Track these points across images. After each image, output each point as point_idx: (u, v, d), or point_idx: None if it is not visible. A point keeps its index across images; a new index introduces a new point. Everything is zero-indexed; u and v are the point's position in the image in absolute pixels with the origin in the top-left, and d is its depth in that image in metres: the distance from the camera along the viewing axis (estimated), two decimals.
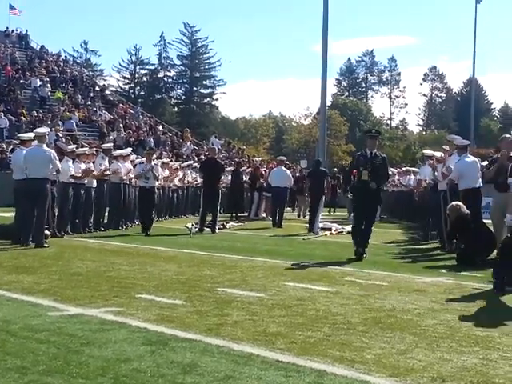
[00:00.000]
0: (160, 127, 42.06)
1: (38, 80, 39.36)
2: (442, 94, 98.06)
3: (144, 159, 17.15)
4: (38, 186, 12.22)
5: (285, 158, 23.12)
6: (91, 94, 42.47)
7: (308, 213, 19.80)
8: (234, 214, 23.60)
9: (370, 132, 12.70)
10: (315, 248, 13.52)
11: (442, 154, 14.06)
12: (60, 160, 14.69)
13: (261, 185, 24.27)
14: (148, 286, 8.03)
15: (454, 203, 11.52)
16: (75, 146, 17.68)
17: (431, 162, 14.40)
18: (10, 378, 4.37)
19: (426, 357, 5.10)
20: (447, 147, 13.80)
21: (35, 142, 12.82)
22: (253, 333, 5.74)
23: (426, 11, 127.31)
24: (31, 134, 13.69)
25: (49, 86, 39.63)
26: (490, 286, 8.36)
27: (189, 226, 16.84)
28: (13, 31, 48.32)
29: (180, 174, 22.67)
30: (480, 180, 12.00)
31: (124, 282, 8.34)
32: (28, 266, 9.72)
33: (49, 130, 15.03)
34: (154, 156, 19.63)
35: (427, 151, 15.95)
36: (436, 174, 13.77)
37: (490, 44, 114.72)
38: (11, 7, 51.80)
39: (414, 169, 22.86)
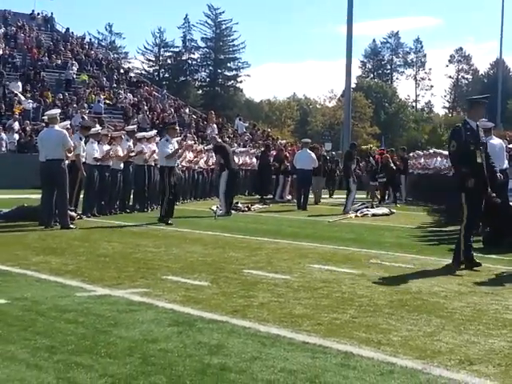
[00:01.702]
0: (187, 110, 42.07)
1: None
2: (469, 76, 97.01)
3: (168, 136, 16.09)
4: (54, 167, 12.30)
5: (309, 141, 23.00)
6: (116, 77, 42.59)
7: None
8: (260, 196, 23.66)
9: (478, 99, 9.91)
10: (340, 230, 13.49)
11: None
12: (85, 142, 14.82)
13: (285, 167, 24.21)
14: (174, 268, 8.07)
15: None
16: (100, 128, 17.74)
17: None
18: (39, 357, 4.44)
19: (453, 339, 5.08)
20: None
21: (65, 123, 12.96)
22: (279, 314, 5.75)
23: None
24: (57, 111, 13.87)
25: (74, 68, 39.80)
26: None
27: (213, 208, 16.89)
28: (38, 14, 48.44)
29: (204, 156, 22.68)
30: (507, 162, 11.86)
31: (150, 263, 8.39)
32: (55, 247, 9.82)
33: (59, 111, 15.01)
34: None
35: None
36: None
37: None
38: None
39: (440, 151, 22.62)
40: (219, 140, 19.81)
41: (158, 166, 15.34)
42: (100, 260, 8.60)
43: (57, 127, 12.65)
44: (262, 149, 27.10)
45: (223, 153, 17.41)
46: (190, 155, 20.82)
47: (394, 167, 23.80)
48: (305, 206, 19.80)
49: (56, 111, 14.08)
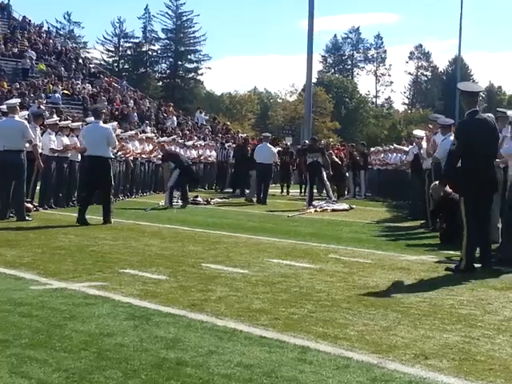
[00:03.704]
0: (146, 102, 41.75)
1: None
2: (428, 73, 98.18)
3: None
4: (12, 158, 12.08)
5: (269, 135, 23.08)
6: (74, 67, 42.02)
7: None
8: (233, 190, 23.73)
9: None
10: (299, 225, 13.53)
11: (426, 133, 14.08)
12: (42, 133, 14.60)
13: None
14: (132, 261, 8.01)
15: (437, 182, 11.53)
16: (58, 118, 17.50)
17: (417, 140, 14.41)
18: None
19: (409, 334, 5.12)
20: (432, 126, 13.80)
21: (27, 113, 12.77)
22: (236, 309, 5.74)
23: None
24: (17, 100, 13.65)
25: (32, 57, 39.13)
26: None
27: (161, 203, 17.06)
28: None
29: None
30: None
31: (108, 256, 8.31)
32: (10, 239, 9.66)
33: (19, 100, 14.82)
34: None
35: (417, 131, 15.87)
36: (422, 152, 13.78)
37: (476, 23, 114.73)
38: None
39: (401, 147, 22.86)
40: (167, 147, 19.74)
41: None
42: (56, 253, 8.49)
43: (17, 117, 12.42)
44: (240, 142, 26.89)
45: (172, 157, 17.75)
46: (149, 147, 20.70)
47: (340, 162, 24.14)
48: (264, 200, 19.81)
49: (15, 100, 13.84)
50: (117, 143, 13.31)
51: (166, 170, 18.33)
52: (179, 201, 17.21)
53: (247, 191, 22.15)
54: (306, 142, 29.49)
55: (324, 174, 19.24)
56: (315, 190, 21.09)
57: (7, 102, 14.13)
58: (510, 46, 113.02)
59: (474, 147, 8.17)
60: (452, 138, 11.93)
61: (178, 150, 23.90)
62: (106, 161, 12.28)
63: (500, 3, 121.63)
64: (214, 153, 26.92)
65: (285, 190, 25.69)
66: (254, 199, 20.19)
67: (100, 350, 4.46)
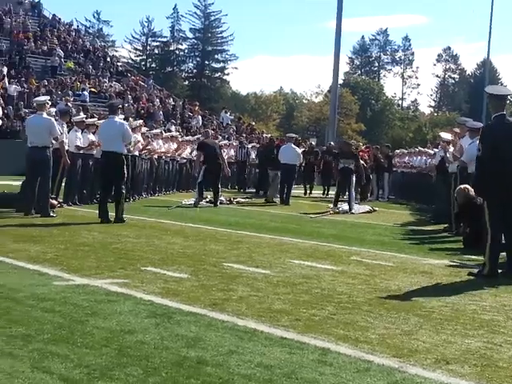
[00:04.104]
0: (171, 100, 41.93)
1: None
2: (455, 76, 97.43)
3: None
4: (39, 154, 12.19)
5: (294, 135, 22.99)
6: (102, 65, 42.34)
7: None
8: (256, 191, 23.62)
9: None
10: (322, 226, 13.49)
11: (452, 136, 13.97)
12: (69, 130, 14.72)
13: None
14: (154, 259, 8.04)
15: (461, 186, 11.44)
16: (84, 116, 17.64)
17: (443, 143, 14.30)
18: (14, 345, 4.40)
19: (431, 338, 5.09)
20: (458, 130, 13.68)
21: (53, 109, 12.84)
22: (257, 309, 5.74)
23: None
24: (46, 97, 13.76)
25: (60, 55, 39.51)
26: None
27: (184, 201, 17.11)
28: None
29: (188, 147, 22.63)
30: None
31: (130, 254, 8.35)
32: (35, 235, 9.75)
33: (48, 97, 14.96)
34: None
35: (443, 134, 15.70)
36: (448, 155, 13.68)
37: (506, 25, 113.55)
38: None
39: (425, 150, 22.70)
40: (205, 138, 19.45)
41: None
42: (79, 249, 8.55)
43: (45, 114, 12.52)
44: (265, 143, 26.57)
45: (201, 147, 17.75)
46: (173, 146, 20.79)
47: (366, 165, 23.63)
48: (287, 200, 19.77)
49: (45, 98, 13.98)
50: (133, 139, 13.14)
51: (197, 161, 18.33)
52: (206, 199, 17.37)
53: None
54: (332, 143, 29.39)
55: (353, 183, 18.13)
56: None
57: (36, 99, 14.29)
58: None
59: (500, 151, 8.08)
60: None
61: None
62: (120, 157, 12.08)
63: None
64: (232, 152, 26.77)
65: (308, 191, 25.55)
66: (276, 199, 20.15)
67: (121, 346, 4.48)
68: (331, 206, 18.21)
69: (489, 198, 8.21)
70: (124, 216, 12.10)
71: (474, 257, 9.50)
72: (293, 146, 20.83)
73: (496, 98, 8.45)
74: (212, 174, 17.29)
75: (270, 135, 34.14)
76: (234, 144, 27.85)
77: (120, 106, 13.35)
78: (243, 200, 19.90)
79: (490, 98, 8.59)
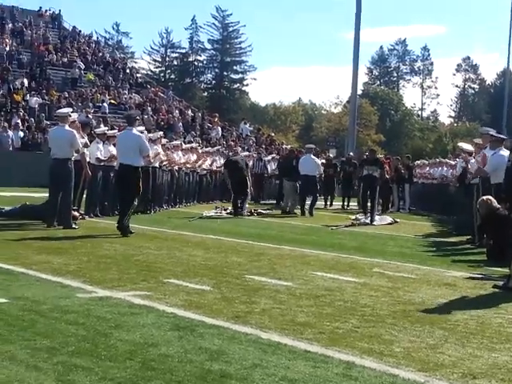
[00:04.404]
0: (190, 112, 42.10)
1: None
2: (475, 86, 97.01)
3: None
4: (60, 166, 12.27)
5: (313, 146, 22.99)
6: (121, 76, 42.63)
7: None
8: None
9: None
10: (343, 238, 13.44)
11: (472, 148, 13.91)
12: (90, 142, 14.81)
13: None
14: (176, 271, 8.04)
15: (484, 197, 11.35)
16: (106, 128, 17.74)
17: (464, 155, 14.21)
18: (39, 357, 4.40)
19: (456, 352, 5.03)
20: (479, 140, 13.58)
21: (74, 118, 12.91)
22: (281, 322, 5.71)
23: (461, 0, 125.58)
24: (68, 110, 13.85)
25: (81, 67, 39.87)
26: None
27: (205, 213, 17.40)
28: (46, 11, 48.58)
29: (208, 159, 22.68)
30: None
31: (152, 266, 8.36)
32: (57, 247, 9.79)
33: (71, 109, 15.06)
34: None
35: (463, 145, 15.58)
36: (470, 166, 13.59)
37: None
38: None
39: (446, 160, 22.57)
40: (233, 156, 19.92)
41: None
42: (102, 261, 8.57)
43: (67, 127, 12.59)
44: (285, 154, 26.47)
45: (226, 165, 18.84)
46: (193, 157, 20.83)
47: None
48: (311, 212, 19.73)
49: (67, 110, 14.09)
50: (153, 151, 13.05)
51: (225, 176, 19.25)
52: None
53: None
54: (351, 154, 29.30)
55: (377, 191, 18.01)
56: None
57: (59, 111, 14.38)
58: None
59: None
60: (502, 152, 11.76)
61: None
62: (135, 170, 11.88)
63: None
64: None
65: (328, 203, 25.44)
66: (296, 210, 20.13)
67: (145, 359, 4.47)
68: (352, 217, 18.14)
69: None
70: (134, 227, 12.10)
71: (498, 269, 9.40)
72: (312, 156, 20.83)
73: None
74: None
75: (289, 146, 34.16)
76: (254, 155, 27.79)
77: (137, 117, 13.30)
78: (264, 211, 19.87)
79: None
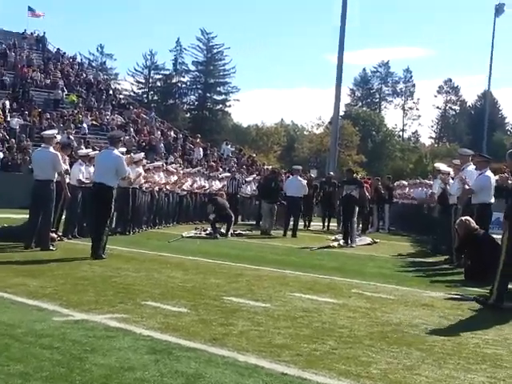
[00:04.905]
0: (172, 133, 42.12)
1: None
2: (456, 107, 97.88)
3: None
4: (42, 187, 12.22)
5: (300, 167, 23.09)
6: (104, 98, 42.63)
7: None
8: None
9: None
10: (323, 259, 13.44)
11: (451, 170, 14.06)
12: (72, 163, 14.75)
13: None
14: (154, 293, 7.99)
15: (463, 218, 11.43)
16: (90, 150, 17.68)
17: (442, 176, 14.32)
18: (12, 383, 4.34)
19: (433, 373, 5.04)
20: (457, 161, 13.70)
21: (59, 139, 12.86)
22: (258, 344, 5.69)
23: (443, 23, 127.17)
24: (54, 131, 13.80)
25: (63, 88, 39.84)
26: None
27: (184, 233, 17.31)
28: (31, 34, 48.63)
29: (189, 179, 22.65)
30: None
31: (130, 288, 8.30)
32: (34, 269, 9.69)
33: (56, 131, 15.03)
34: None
35: (440, 165, 15.72)
36: (448, 188, 13.69)
37: (507, 58, 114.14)
38: (30, 9, 52.04)
39: (425, 181, 22.74)
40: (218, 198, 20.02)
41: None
42: (79, 283, 8.50)
43: (51, 148, 12.55)
44: (267, 175, 26.38)
45: (213, 202, 18.91)
46: (173, 178, 20.80)
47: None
48: (295, 233, 19.79)
49: (53, 131, 14.04)
50: (132, 173, 12.90)
51: (209, 209, 19.31)
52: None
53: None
54: (331, 173, 29.37)
55: (355, 213, 17.79)
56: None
57: (45, 132, 14.31)
58: None
59: None
60: (487, 173, 11.90)
61: (203, 183, 24.06)
62: (108, 189, 11.70)
63: None
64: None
65: (307, 223, 25.30)
66: (273, 232, 20.19)
67: None
68: (332, 238, 18.18)
69: None
70: (110, 248, 11.97)
71: (476, 289, 9.45)
72: (299, 178, 20.92)
73: None
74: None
75: (271, 167, 34.18)
76: (228, 175, 27.45)
77: (121, 138, 13.25)
78: (244, 232, 19.86)
79: None
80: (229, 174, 27.34)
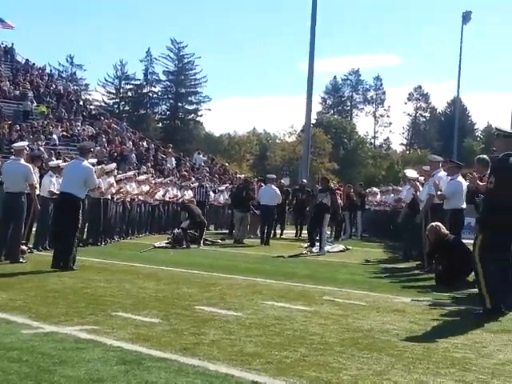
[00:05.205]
0: (144, 143, 41.98)
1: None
2: (426, 114, 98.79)
3: None
4: (13, 200, 12.13)
5: (275, 176, 23.23)
6: (74, 108, 42.38)
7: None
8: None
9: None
10: (296, 267, 13.48)
11: (419, 176, 14.25)
12: (43, 174, 14.64)
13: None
14: (125, 304, 7.94)
15: (433, 224, 11.53)
16: (60, 161, 17.54)
17: (413, 182, 14.45)
18: None
19: (403, 378, 5.06)
20: (427, 167, 13.85)
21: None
22: (229, 352, 5.68)
23: (413, 31, 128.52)
24: (25, 143, 13.71)
25: (33, 99, 39.53)
26: (468, 307, 8.39)
27: (156, 244, 17.29)
28: None
29: (161, 189, 22.59)
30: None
31: (101, 299, 8.24)
32: (3, 282, 9.58)
33: (27, 143, 14.93)
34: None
35: (409, 172, 15.89)
36: (418, 194, 13.83)
37: (475, 64, 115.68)
38: (1, 21, 51.49)
39: (397, 188, 22.92)
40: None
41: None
42: (49, 295, 8.42)
43: (22, 161, 12.45)
44: (239, 184, 26.33)
45: (186, 209, 18.79)
46: (145, 188, 20.73)
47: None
48: (267, 241, 19.87)
49: (23, 144, 13.95)
50: (103, 184, 12.83)
51: (182, 216, 19.06)
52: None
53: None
54: (304, 181, 29.47)
55: (326, 220, 17.66)
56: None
57: (15, 144, 14.20)
58: (508, 87, 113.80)
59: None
60: (459, 178, 12.03)
61: (176, 193, 23.97)
62: (76, 201, 11.54)
63: (498, 45, 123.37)
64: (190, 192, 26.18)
65: (278, 231, 25.24)
66: (245, 240, 20.22)
67: None
68: (305, 245, 18.22)
69: (494, 230, 7.93)
70: (81, 260, 11.88)
71: (446, 294, 9.53)
72: (273, 187, 21.02)
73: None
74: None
75: (243, 175, 34.27)
76: (196, 183, 27.33)
77: (91, 149, 13.14)
78: (216, 241, 19.86)
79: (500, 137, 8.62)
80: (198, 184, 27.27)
